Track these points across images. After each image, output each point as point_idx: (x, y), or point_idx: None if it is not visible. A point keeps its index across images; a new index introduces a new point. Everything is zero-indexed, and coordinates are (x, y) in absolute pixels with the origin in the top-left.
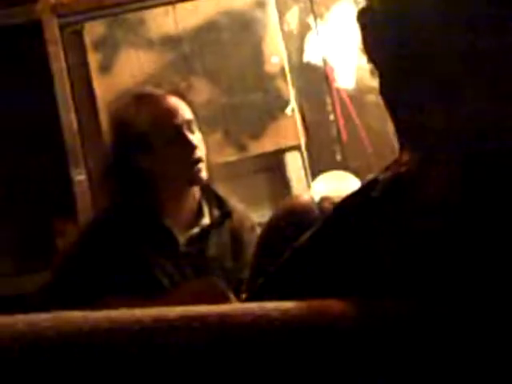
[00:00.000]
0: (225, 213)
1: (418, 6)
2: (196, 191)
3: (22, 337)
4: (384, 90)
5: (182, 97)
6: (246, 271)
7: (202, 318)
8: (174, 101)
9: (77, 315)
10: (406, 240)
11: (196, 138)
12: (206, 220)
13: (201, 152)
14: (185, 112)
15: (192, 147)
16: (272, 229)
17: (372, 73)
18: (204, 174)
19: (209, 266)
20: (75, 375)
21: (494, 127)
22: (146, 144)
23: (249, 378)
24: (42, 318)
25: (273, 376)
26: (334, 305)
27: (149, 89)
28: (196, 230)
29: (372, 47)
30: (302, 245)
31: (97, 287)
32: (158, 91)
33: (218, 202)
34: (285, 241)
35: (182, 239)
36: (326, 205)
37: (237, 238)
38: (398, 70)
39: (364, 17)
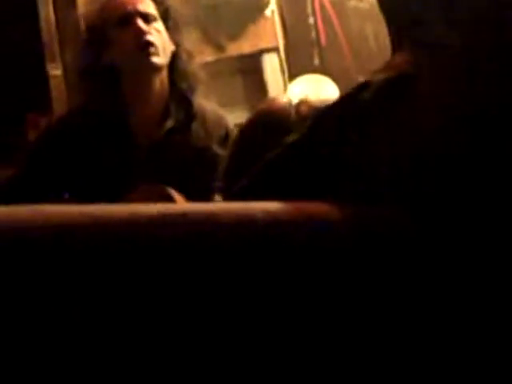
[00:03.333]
0: (189, 115)
1: None
2: (162, 90)
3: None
4: None
5: None
6: (211, 179)
7: (185, 215)
8: None
9: (73, 209)
10: (399, 143)
11: (153, 28)
12: (171, 123)
13: (154, 39)
14: (143, 5)
15: (141, 32)
16: (249, 131)
17: None
18: (156, 59)
19: (169, 170)
20: (62, 268)
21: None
22: (104, 38)
23: (229, 277)
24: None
25: (252, 277)
26: (320, 207)
27: None
28: (159, 132)
29: None
30: (290, 146)
31: (54, 181)
32: None
33: (185, 104)
34: (262, 143)
35: (144, 142)
36: (303, 108)
37: (205, 144)
38: None
39: None
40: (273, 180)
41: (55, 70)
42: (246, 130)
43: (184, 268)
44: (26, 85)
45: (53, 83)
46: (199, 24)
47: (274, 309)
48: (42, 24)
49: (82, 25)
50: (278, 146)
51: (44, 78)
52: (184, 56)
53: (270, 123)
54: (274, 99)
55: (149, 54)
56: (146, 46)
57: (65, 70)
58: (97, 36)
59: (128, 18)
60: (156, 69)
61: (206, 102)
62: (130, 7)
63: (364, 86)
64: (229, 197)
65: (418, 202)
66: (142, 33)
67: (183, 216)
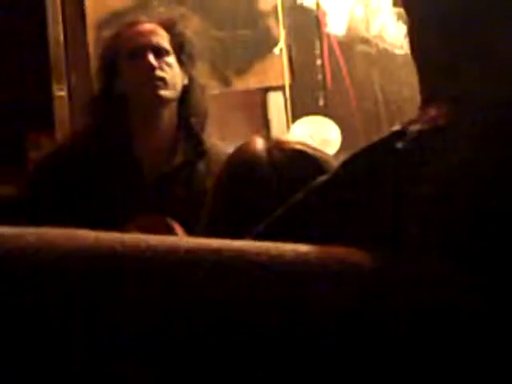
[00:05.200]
0: (199, 152)
1: None
2: (171, 123)
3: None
4: (417, 36)
5: (166, 27)
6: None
7: (216, 252)
8: (150, 26)
9: (89, 234)
10: (433, 194)
11: (164, 62)
12: (180, 159)
13: (165, 75)
14: (156, 38)
15: (149, 66)
16: (222, 182)
17: (399, 17)
18: (163, 93)
19: (174, 204)
20: (82, 293)
21: None
22: (115, 66)
23: (261, 314)
24: (53, 233)
25: (283, 315)
26: (353, 253)
27: (136, 16)
28: (166, 168)
29: None
30: (315, 190)
31: (56, 207)
32: (141, 17)
33: (195, 139)
34: (236, 194)
35: (152, 173)
36: (276, 153)
37: (210, 182)
38: (439, 16)
39: None
40: (297, 222)
41: (60, 91)
42: (219, 180)
43: (217, 304)
44: (30, 104)
45: (57, 104)
46: (207, 57)
47: (301, 355)
48: (51, 45)
49: (91, 48)
50: (253, 197)
51: (49, 98)
52: (196, 90)
53: (242, 174)
54: (245, 145)
55: (157, 88)
56: (155, 81)
57: (70, 91)
58: (109, 64)
59: (139, 52)
60: (163, 102)
61: (212, 139)
62: (142, 40)
63: (398, 135)
64: (252, 236)
65: (451, 255)
66: (152, 68)
67: (217, 252)
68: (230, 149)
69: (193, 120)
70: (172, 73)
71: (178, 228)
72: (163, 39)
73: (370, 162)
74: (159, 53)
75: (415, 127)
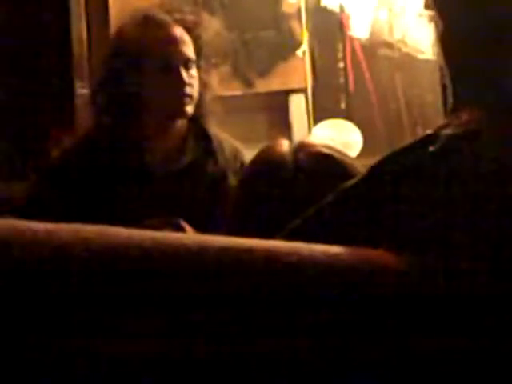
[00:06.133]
0: (208, 151)
1: None
2: (182, 126)
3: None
4: (450, 41)
5: (189, 30)
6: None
7: (249, 252)
8: (179, 32)
9: (123, 231)
10: (463, 198)
11: (191, 76)
12: (189, 157)
13: (192, 91)
14: (186, 48)
15: (182, 83)
16: (247, 184)
17: (430, 19)
18: (189, 109)
19: (183, 203)
20: (114, 289)
21: None
22: (138, 66)
23: (286, 318)
24: (87, 230)
25: (310, 319)
26: (379, 255)
27: (159, 13)
28: (175, 167)
29: None
30: (346, 191)
31: (64, 208)
32: (167, 18)
33: (204, 139)
34: (260, 196)
35: (160, 173)
36: (302, 156)
37: (221, 179)
38: (476, 24)
39: None
40: (328, 223)
41: (82, 89)
42: (244, 182)
43: (248, 304)
44: (53, 101)
45: (79, 102)
46: (230, 58)
47: (324, 352)
48: (74, 43)
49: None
50: (278, 197)
51: (71, 96)
52: (207, 96)
53: (267, 174)
54: (271, 146)
55: (184, 104)
56: (184, 98)
57: None
58: (127, 56)
59: (172, 65)
60: (186, 116)
61: (220, 133)
62: (174, 52)
63: (431, 139)
64: (283, 236)
65: (481, 255)
66: (184, 84)
67: (248, 252)
68: (245, 148)
69: (200, 118)
70: (196, 85)
71: (188, 228)
72: (190, 48)
73: (402, 164)
74: (187, 65)
75: (447, 131)
